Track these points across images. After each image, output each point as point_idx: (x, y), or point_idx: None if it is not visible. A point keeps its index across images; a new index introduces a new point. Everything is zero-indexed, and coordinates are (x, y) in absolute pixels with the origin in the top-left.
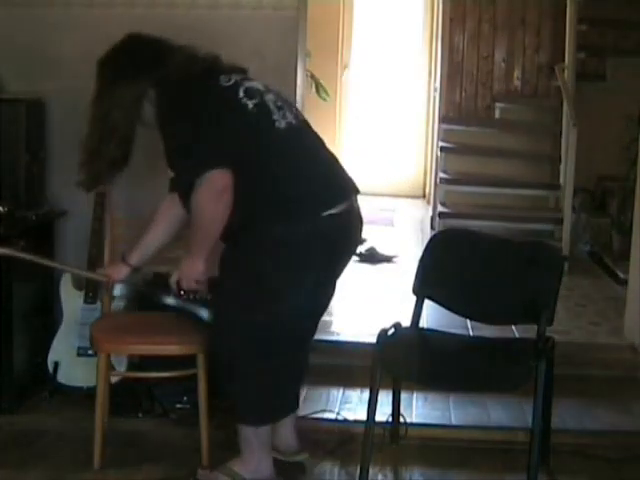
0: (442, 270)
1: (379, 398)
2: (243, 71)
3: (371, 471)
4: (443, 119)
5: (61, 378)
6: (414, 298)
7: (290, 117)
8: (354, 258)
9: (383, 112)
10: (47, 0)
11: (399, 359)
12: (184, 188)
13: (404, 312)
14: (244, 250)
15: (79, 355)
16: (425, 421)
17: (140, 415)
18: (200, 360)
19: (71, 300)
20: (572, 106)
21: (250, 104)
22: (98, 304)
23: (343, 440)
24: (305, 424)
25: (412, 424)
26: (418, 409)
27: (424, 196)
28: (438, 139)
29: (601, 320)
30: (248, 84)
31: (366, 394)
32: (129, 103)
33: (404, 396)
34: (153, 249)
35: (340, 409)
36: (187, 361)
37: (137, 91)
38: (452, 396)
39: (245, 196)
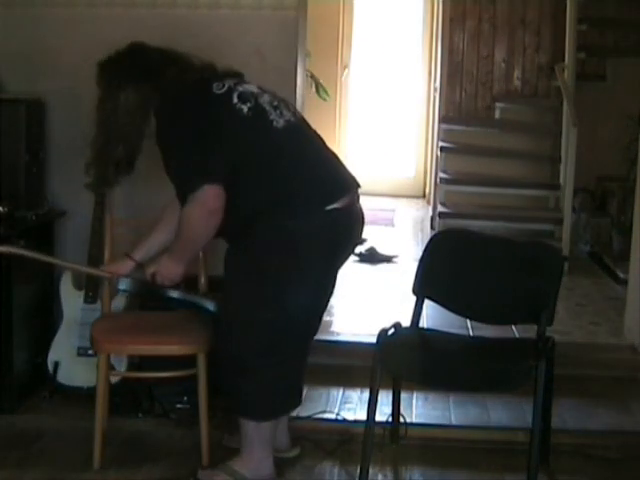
0: (442, 270)
1: (379, 398)
2: (238, 75)
3: (371, 471)
4: (443, 119)
5: (61, 378)
6: (414, 298)
7: (288, 115)
8: (354, 258)
9: (383, 112)
10: (47, 0)
11: (399, 359)
12: (182, 199)
13: (404, 312)
14: (249, 248)
15: (79, 355)
16: (425, 421)
17: (140, 415)
18: (200, 360)
19: (71, 300)
20: (572, 106)
21: (245, 108)
22: (98, 304)
23: (343, 440)
24: (305, 424)
25: (412, 424)
26: (418, 409)
27: (424, 196)
28: (438, 139)
29: (601, 320)
30: (242, 88)
31: (366, 394)
32: (134, 107)
33: (404, 396)
34: (157, 247)
35: (340, 409)
36: (187, 361)
37: (142, 95)
38: (452, 396)
39: (248, 196)
